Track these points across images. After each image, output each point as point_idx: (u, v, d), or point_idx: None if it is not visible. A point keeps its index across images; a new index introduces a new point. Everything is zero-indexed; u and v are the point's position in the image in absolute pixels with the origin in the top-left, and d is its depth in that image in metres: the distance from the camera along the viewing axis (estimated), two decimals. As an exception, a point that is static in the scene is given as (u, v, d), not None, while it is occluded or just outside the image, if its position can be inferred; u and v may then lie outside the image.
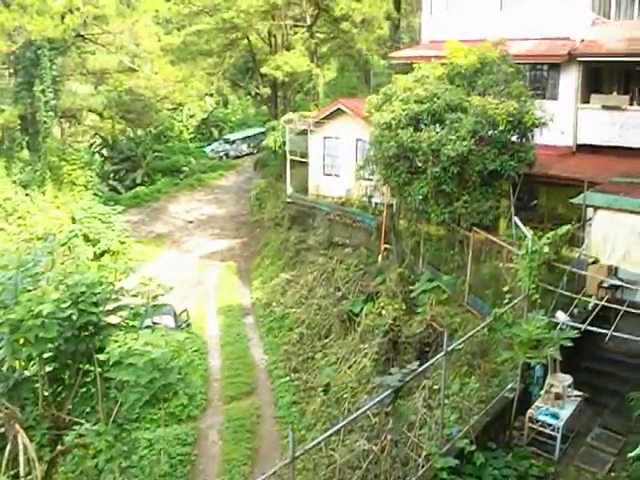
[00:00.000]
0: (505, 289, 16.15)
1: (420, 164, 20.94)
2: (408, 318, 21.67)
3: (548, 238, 15.05)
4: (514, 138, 20.81)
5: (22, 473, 7.87)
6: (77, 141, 53.71)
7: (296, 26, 44.80)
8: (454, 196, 20.36)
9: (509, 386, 14.14)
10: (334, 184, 31.78)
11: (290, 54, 40.32)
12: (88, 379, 9.63)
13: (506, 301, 14.76)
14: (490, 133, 20.43)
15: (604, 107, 22.87)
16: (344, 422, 10.54)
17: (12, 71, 44.67)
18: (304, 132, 33.76)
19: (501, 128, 20.04)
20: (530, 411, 13.51)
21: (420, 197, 20.73)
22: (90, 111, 50.99)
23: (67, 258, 32.51)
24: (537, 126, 20.45)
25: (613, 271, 18.07)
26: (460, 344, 14.11)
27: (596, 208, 15.74)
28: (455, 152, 19.40)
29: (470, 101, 20.90)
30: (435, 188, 20.36)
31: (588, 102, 23.41)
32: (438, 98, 20.87)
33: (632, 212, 14.77)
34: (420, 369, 10.64)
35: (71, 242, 36.21)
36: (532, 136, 20.90)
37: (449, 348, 11.56)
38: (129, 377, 8.29)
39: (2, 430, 8.68)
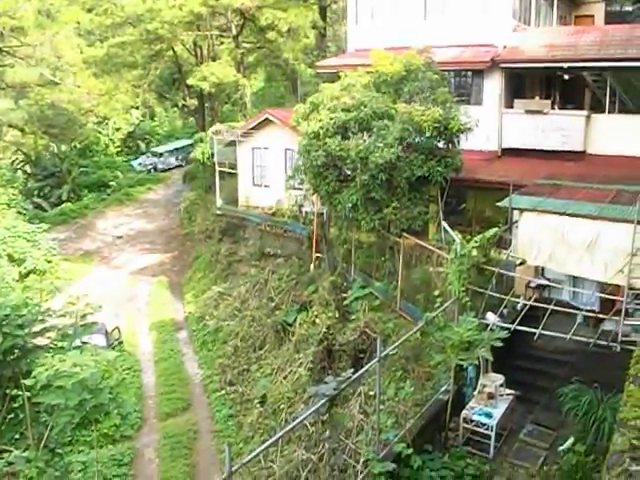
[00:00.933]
0: (436, 293, 16.47)
1: (349, 172, 21.07)
2: (342, 326, 21.76)
3: (476, 241, 15.40)
4: (441, 144, 21.18)
5: (-53, 506, 7.56)
6: (-2, 158, 52.15)
7: (222, 36, 44.65)
8: (383, 203, 20.54)
9: (443, 388, 14.36)
10: (264, 194, 31.70)
11: (216, 64, 40.16)
12: (16, 404, 9.34)
13: (437, 305, 15.04)
14: (417, 140, 20.72)
15: (527, 111, 23.45)
16: (281, 433, 10.52)
17: None
18: (232, 143, 33.59)
19: (428, 134, 20.32)
20: (464, 412, 13.75)
21: (350, 205, 20.83)
22: (10, 126, 49.51)
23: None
24: (463, 132, 20.86)
25: (540, 271, 18.60)
26: (394, 349, 14.29)
27: (522, 210, 16.17)
28: (383, 159, 19.60)
29: (396, 108, 21.16)
30: (364, 195, 20.51)
31: (512, 107, 23.98)
32: (365, 106, 21.05)
33: (556, 213, 15.23)
34: (355, 376, 10.72)
35: (-6, 263, 35.06)
36: (458, 141, 21.32)
37: (383, 354, 11.68)
38: (58, 400, 8.06)
39: None
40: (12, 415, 9.47)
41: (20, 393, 8.92)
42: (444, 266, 16.76)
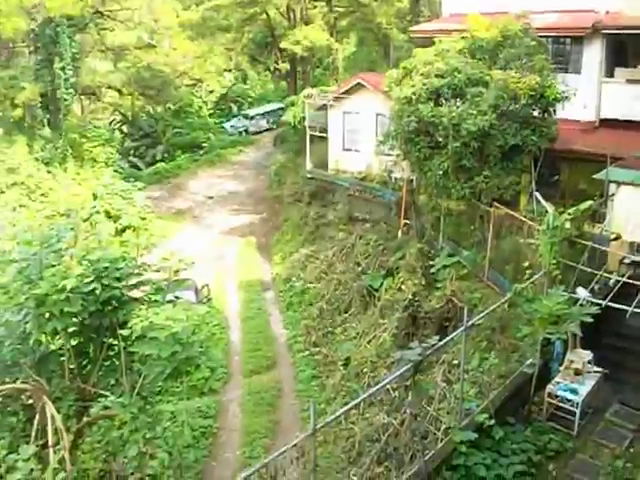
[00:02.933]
0: (525, 265, 16.15)
1: (440, 139, 20.84)
2: (428, 293, 21.70)
3: (569, 214, 14.99)
4: (536, 113, 20.66)
5: (50, 442, 8.06)
6: (97, 118, 54.01)
7: (315, 0, 44.45)
8: (475, 171, 20.26)
9: (528, 361, 14.14)
10: (354, 159, 31.70)
11: (309, 28, 40.15)
12: (112, 353, 9.79)
13: (526, 277, 14.76)
14: (511, 108, 20.27)
15: (628, 81, 22.51)
16: (364, 396, 10.67)
17: (32, 49, 44.81)
18: (324, 107, 33.63)
19: (523, 102, 19.87)
20: (549, 386, 13.53)
21: (440, 172, 20.66)
22: (109, 88, 51.15)
23: (89, 234, 32.65)
24: (559, 100, 20.28)
25: (635, 247, 17.94)
26: (480, 319, 14.13)
27: (619, 184, 15.65)
28: (476, 127, 19.29)
29: (491, 75, 20.71)
30: (455, 163, 20.29)
31: (612, 76, 23.07)
32: (459, 72, 20.69)
33: (655, 187, 14.66)
34: (440, 344, 10.69)
35: (93, 218, 36.46)
36: (554, 111, 20.74)
37: (469, 323, 11.59)
38: (152, 351, 8.41)
39: (31, 401, 8.89)
40: (108, 363, 9.93)
41: (116, 342, 9.33)
42: (535, 238, 16.42)
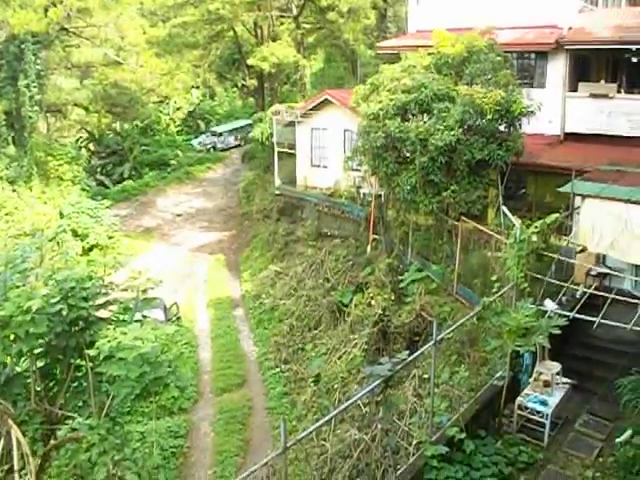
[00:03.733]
0: (494, 278, 16.26)
1: (408, 154, 20.98)
2: (397, 308, 21.77)
3: (536, 227, 15.15)
4: (502, 127, 20.90)
5: (16, 467, 7.90)
6: (63, 136, 53.37)
7: (282, 17, 44.62)
8: (442, 186, 20.40)
9: (498, 374, 14.22)
10: (322, 175, 31.77)
11: (276, 45, 40.22)
12: (80, 374, 9.65)
13: (495, 290, 14.85)
14: (478, 122, 20.51)
15: (592, 95, 22.87)
16: (335, 412, 10.61)
17: (-4, 66, 44.30)
18: (291, 124, 33.70)
19: (489, 117, 20.08)
20: (519, 399, 13.61)
21: (408, 187, 20.76)
22: (76, 105, 50.68)
23: (56, 253, 32.34)
24: (525, 115, 20.55)
25: (601, 259, 18.21)
26: (449, 333, 14.22)
27: (584, 196, 15.86)
28: (443, 142, 19.45)
29: (458, 90, 20.94)
30: (423, 178, 20.42)
31: (576, 90, 23.41)
32: (425, 88, 20.86)
33: (619, 200, 14.89)
34: (410, 358, 10.71)
35: (59, 237, 36.06)
36: (520, 125, 20.99)
37: (438, 337, 11.64)
38: (120, 371, 8.31)
39: (-5, 426, 8.72)
40: (76, 384, 9.79)
41: (84, 363, 9.20)
42: (503, 251, 16.56)
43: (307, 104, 33.51)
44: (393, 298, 22.28)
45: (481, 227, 19.55)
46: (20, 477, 7.75)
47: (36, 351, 9.00)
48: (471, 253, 19.94)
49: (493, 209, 22.06)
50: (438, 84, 21.10)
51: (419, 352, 12.00)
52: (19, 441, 8.06)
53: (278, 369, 25.17)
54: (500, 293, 14.62)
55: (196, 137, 61.44)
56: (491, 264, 18.22)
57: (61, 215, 38.62)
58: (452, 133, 19.56)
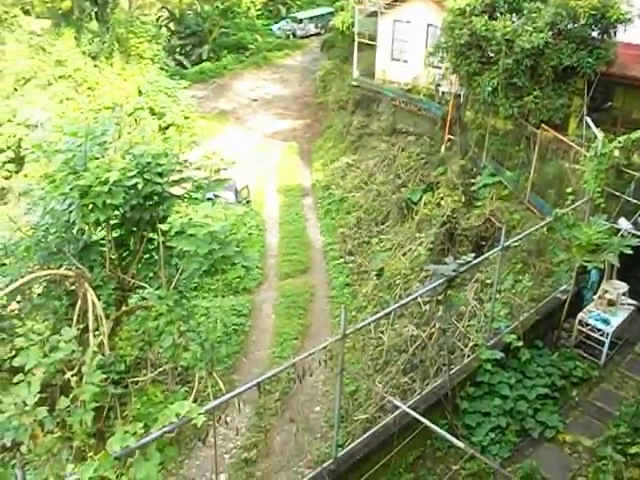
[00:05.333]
0: (569, 190, 15.87)
1: (492, 54, 20.31)
2: (466, 211, 21.61)
3: (620, 142, 14.54)
4: (594, 34, 19.84)
5: (91, 327, 8.35)
6: (144, 14, 53.14)
7: None
8: (525, 90, 19.76)
9: (562, 287, 14.09)
10: (401, 70, 31.03)
11: None
12: (151, 246, 9.93)
13: (568, 202, 14.53)
14: (569, 27, 19.58)
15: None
16: (395, 306, 10.76)
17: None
18: (374, 14, 32.68)
19: (582, 22, 19.15)
20: (581, 314, 13.47)
21: (490, 89, 20.19)
22: (158, -18, 50.22)
23: (133, 129, 32.93)
24: (621, 22, 19.38)
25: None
26: (517, 241, 14.05)
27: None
28: (530, 44, 18.69)
29: (552, -10, 19.88)
30: (506, 80, 19.79)
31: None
32: (518, -15, 19.91)
33: None
34: (475, 261, 10.64)
35: (137, 114, 36.61)
36: (614, 33, 19.84)
37: (506, 244, 11.53)
38: (189, 247, 8.50)
39: (73, 288, 9.17)
40: (147, 256, 10.10)
41: (155, 237, 9.46)
42: (581, 164, 16.06)
43: (393, -6, 32.34)
44: (463, 200, 22.11)
45: (561, 137, 18.94)
46: (94, 337, 8.21)
47: (112, 222, 9.28)
48: (547, 163, 19.43)
49: (575, 119, 21.27)
50: (532, -18, 20.06)
51: (485, 256, 11.94)
52: (94, 303, 8.49)
53: (342, 260, 25.54)
54: (574, 206, 14.26)
55: (276, 23, 60.40)
56: (567, 176, 17.75)
57: (140, 92, 39.04)
58: (541, 36, 18.73)
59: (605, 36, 19.91)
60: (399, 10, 30.95)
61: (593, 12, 18.88)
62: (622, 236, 13.48)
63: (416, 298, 11.48)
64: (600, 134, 15.47)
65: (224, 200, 23.56)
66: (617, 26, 19.63)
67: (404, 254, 22.56)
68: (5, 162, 31.99)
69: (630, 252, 12.59)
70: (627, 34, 20.02)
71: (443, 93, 27.59)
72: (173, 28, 54.36)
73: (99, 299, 8.63)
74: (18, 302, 9.40)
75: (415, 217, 23.95)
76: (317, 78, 43.13)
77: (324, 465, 8.94)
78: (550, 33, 18.98)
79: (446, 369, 10.74)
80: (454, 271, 9.95)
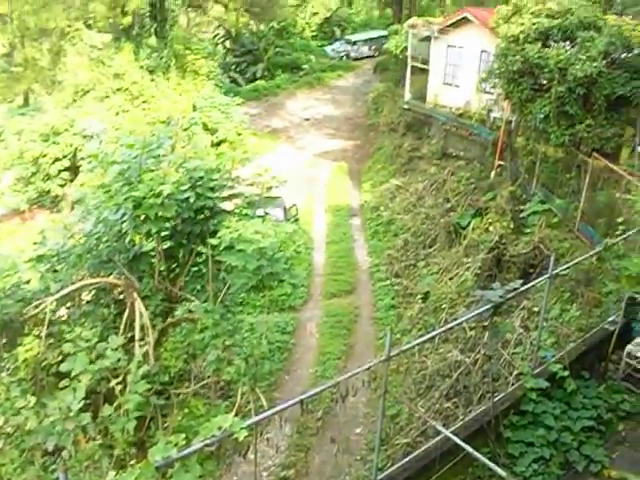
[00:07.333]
0: (619, 220, 15.63)
1: (545, 82, 20.23)
2: (515, 237, 21.40)
3: (674, 172, 14.32)
4: (650, 63, 19.59)
5: (137, 337, 8.49)
6: (202, 31, 54.31)
7: None
8: (577, 119, 19.61)
9: (611, 318, 13.79)
10: (453, 94, 31.02)
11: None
12: (200, 260, 10.08)
13: (619, 232, 14.29)
14: (623, 56, 19.34)
15: None
16: (440, 330, 10.69)
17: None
18: (427, 38, 32.81)
19: (636, 51, 18.93)
20: (630, 346, 13.17)
21: (541, 116, 20.08)
22: (216, 2, 51.15)
23: (187, 144, 33.41)
24: (677, 51, 19.16)
25: None
26: (566, 269, 13.85)
27: None
28: (583, 72, 18.54)
29: (605, 20, 19.76)
30: (558, 108, 19.65)
31: None
32: (571, 14, 19.88)
33: None
34: (523, 288, 10.52)
35: (191, 129, 37.22)
36: (670, 63, 19.59)
37: (554, 272, 11.38)
38: (238, 262, 8.60)
39: (122, 297, 9.37)
40: (196, 269, 10.25)
41: (205, 250, 9.60)
42: (633, 194, 15.82)
43: (446, 20, 32.47)
44: (512, 227, 21.90)
45: (613, 166, 18.67)
46: (140, 346, 8.34)
47: (163, 233, 9.42)
48: (598, 192, 19.16)
49: (628, 149, 20.96)
50: (585, 11, 19.97)
51: (533, 283, 11.79)
52: (141, 313, 8.63)
53: (389, 281, 25.44)
54: (624, 236, 14.03)
55: (330, 44, 60.94)
56: (618, 205, 17.48)
57: (194, 108, 39.73)
58: (594, 64, 18.58)
59: (660, 66, 19.68)
60: (453, 35, 31.01)
61: (647, 41, 18.72)
62: (674, 268, 13.20)
63: (461, 323, 11.40)
64: (654, 164, 15.26)
65: (273, 217, 23.76)
66: (674, 56, 19.40)
67: (451, 278, 22.39)
68: (61, 170, 32.77)
69: (682, 285, 12.34)
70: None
71: (494, 119, 27.49)
72: (229, 46, 55.36)
73: (146, 309, 8.78)
74: (67, 308, 9.61)
75: (463, 242, 23.79)
76: (369, 100, 43.34)
77: (363, 487, 8.90)
78: (604, 62, 18.83)
79: (490, 396, 10.61)
80: (501, 297, 9.85)
